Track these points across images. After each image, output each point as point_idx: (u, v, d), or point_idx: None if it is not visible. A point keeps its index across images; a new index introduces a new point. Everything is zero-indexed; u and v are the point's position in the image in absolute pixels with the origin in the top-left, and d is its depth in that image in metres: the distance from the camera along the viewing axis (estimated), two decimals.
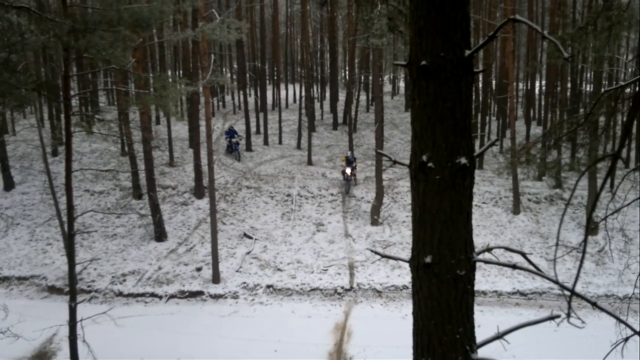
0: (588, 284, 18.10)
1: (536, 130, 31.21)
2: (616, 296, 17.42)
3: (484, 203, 22.87)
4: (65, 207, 11.39)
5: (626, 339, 3.82)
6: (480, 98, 28.99)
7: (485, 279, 18.31)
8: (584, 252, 2.44)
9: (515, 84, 33.51)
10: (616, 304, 16.90)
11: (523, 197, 22.77)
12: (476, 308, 14.13)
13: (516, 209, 22.14)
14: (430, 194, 3.54)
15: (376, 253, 4.06)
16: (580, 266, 2.58)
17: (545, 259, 19.27)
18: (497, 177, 24.72)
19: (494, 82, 34.41)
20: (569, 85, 27.47)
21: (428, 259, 3.60)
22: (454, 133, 3.47)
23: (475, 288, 14.51)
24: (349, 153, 24.09)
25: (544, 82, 33.67)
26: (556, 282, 3.06)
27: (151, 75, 14.27)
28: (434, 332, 3.68)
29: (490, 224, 21.63)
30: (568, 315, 3.15)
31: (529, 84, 33.66)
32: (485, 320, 16.77)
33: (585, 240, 2.38)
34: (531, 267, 3.41)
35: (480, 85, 30.26)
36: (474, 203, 22.96)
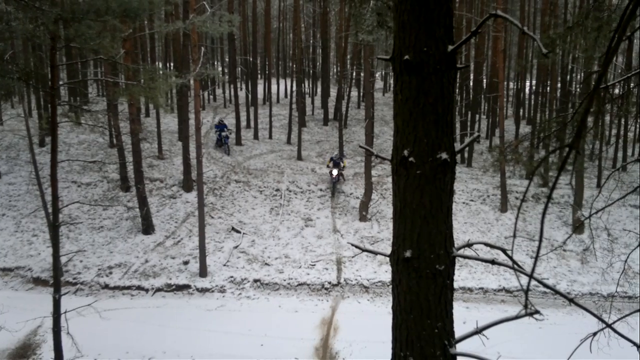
0: (573, 282, 18.27)
1: (525, 129, 31.38)
2: (600, 294, 17.60)
3: (472, 200, 22.99)
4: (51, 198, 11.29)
5: (594, 334, 3.85)
6: (471, 96, 29.09)
7: (471, 275, 18.42)
8: (541, 234, 2.46)
9: (505, 83, 33.70)
10: (600, 302, 17.09)
11: (510, 195, 22.91)
12: (462, 304, 14.35)
13: (503, 207, 22.27)
14: (410, 188, 3.55)
15: (357, 247, 4.07)
16: (538, 252, 2.59)
17: (530, 256, 19.41)
18: (484, 175, 24.86)
19: (484, 80, 34.52)
20: (558, 85, 27.64)
21: (408, 254, 3.61)
22: (435, 128, 3.47)
23: (462, 284, 14.68)
24: (335, 154, 23.79)
25: (534, 82, 33.84)
26: (530, 276, 3.07)
27: (140, 66, 14.16)
28: (413, 327, 3.69)
29: (477, 221, 21.75)
30: (525, 307, 3.17)
31: (519, 83, 33.84)
32: (471, 316, 16.89)
33: (542, 222, 2.39)
34: (509, 263, 3.42)
35: (471, 84, 30.37)
36: (462, 200, 23.13)
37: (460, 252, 3.83)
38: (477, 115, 30.65)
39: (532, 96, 34.49)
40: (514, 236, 2.58)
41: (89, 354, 13.31)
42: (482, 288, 17.95)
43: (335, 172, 22.59)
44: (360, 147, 4.12)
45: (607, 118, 26.42)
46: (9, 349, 14.09)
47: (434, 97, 3.44)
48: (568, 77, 28.98)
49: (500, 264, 3.43)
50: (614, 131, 28.51)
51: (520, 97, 33.96)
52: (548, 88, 28.00)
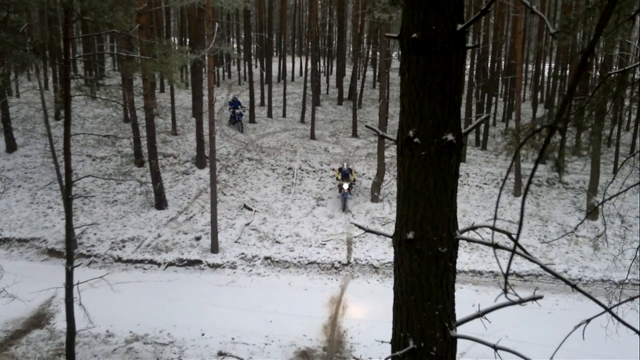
0: (585, 269, 18.14)
1: (542, 113, 30.92)
2: (612, 281, 17.45)
3: (485, 184, 22.81)
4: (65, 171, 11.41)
5: (588, 320, 3.82)
6: (488, 78, 28.66)
7: (482, 259, 18.37)
8: (521, 214, 2.41)
9: (524, 65, 33.08)
10: (611, 289, 16.96)
11: (525, 180, 22.68)
12: (472, 287, 14.29)
13: (517, 191, 22.08)
14: (415, 169, 3.51)
15: (360, 227, 4.05)
16: (519, 232, 2.55)
17: (541, 241, 19.28)
18: (498, 158, 24.62)
19: (503, 62, 33.98)
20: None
21: (410, 235, 3.59)
22: (442, 109, 3.42)
23: (472, 268, 14.62)
24: (344, 164, 21.04)
25: (553, 65, 33.22)
26: (530, 258, 3.04)
27: (154, 41, 14.12)
28: (413, 308, 3.69)
29: (490, 204, 21.61)
30: (505, 291, 3.15)
31: (538, 66, 33.23)
32: (481, 299, 16.88)
33: (522, 202, 2.35)
34: (511, 246, 3.38)
35: (489, 65, 29.90)
36: (475, 183, 22.96)
37: (465, 235, 3.79)
38: (494, 98, 30.23)
39: (551, 79, 33.90)
40: (521, 220, 2.54)
41: (101, 325, 13.59)
42: (492, 272, 17.90)
43: (345, 186, 20.47)
44: (367, 126, 4.07)
45: (627, 103, 25.87)
46: (23, 318, 14.42)
47: (441, 77, 3.38)
48: (588, 60, 28.33)
49: (502, 248, 3.40)
50: (633, 116, 27.99)
51: (539, 80, 33.40)
52: (567, 71, 27.47)
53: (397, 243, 3.74)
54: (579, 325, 3.89)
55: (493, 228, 3.75)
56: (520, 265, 18.05)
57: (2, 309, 12.88)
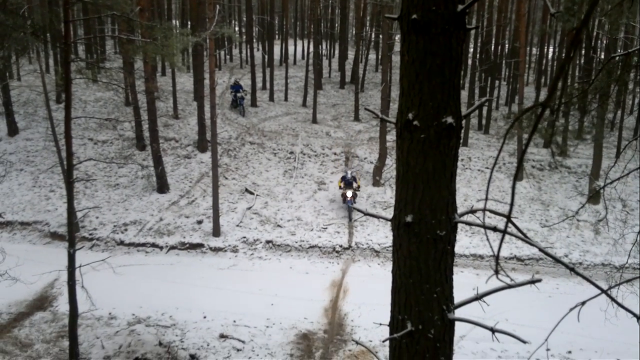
0: (585, 253, 18.17)
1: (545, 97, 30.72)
2: (613, 265, 17.50)
3: (487, 168, 22.76)
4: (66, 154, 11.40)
5: (583, 303, 3.83)
6: (491, 60, 28.44)
7: (483, 243, 18.40)
8: (512, 196, 2.41)
9: (528, 48, 32.82)
10: (611, 273, 17.00)
11: (527, 164, 22.64)
12: (473, 271, 14.32)
13: (519, 175, 22.05)
14: (414, 152, 3.49)
15: (359, 210, 4.05)
16: (510, 212, 2.55)
17: (541, 225, 19.30)
18: (500, 142, 24.53)
19: (506, 45, 33.70)
20: (582, 51, 26.87)
21: (409, 218, 3.58)
22: (441, 91, 3.38)
23: (473, 252, 14.61)
24: (348, 172, 19.81)
25: (557, 48, 32.92)
26: (530, 242, 3.03)
27: (155, 24, 13.98)
28: (412, 291, 3.69)
29: (492, 189, 21.58)
30: (496, 272, 3.15)
31: (542, 49, 32.94)
32: (481, 283, 16.97)
33: (513, 185, 2.34)
34: (513, 231, 3.38)
35: (492, 48, 29.66)
36: (477, 168, 22.91)
37: (463, 218, 3.79)
38: (497, 82, 30.03)
39: (555, 62, 33.63)
40: (512, 200, 2.52)
41: (104, 307, 13.69)
42: (493, 255, 17.92)
43: (349, 193, 19.23)
44: (366, 109, 4.05)
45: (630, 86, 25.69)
46: (26, 300, 14.54)
47: (441, 58, 3.34)
48: (592, 43, 28.10)
49: (501, 231, 3.38)
50: (636, 100, 27.81)
51: (542, 64, 33.14)
52: (571, 55, 27.20)
53: (395, 226, 3.73)
54: (574, 308, 3.90)
55: (491, 211, 3.74)
56: (521, 249, 18.08)
57: (5, 291, 12.97)
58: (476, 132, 26.34)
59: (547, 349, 13.19)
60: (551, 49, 36.15)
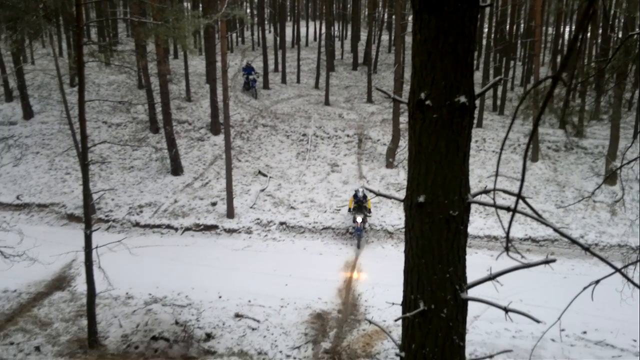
0: (602, 234, 18.02)
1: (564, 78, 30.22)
2: (629, 246, 17.35)
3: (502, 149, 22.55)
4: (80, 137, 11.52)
5: (597, 282, 3.81)
6: (506, 40, 28.00)
7: (497, 224, 18.32)
8: (523, 172, 2.39)
9: (544, 28, 32.22)
10: (628, 254, 16.88)
11: (542, 145, 22.39)
12: (486, 252, 14.29)
13: (534, 156, 21.82)
14: (426, 132, 3.47)
15: (371, 191, 4.05)
16: (520, 189, 2.54)
17: (557, 206, 19.15)
18: (515, 123, 24.26)
19: (522, 24, 33.12)
20: (599, 30, 26.34)
21: (421, 199, 3.58)
22: (454, 70, 3.35)
23: (487, 233, 14.56)
24: (359, 190, 17.66)
25: (574, 27, 32.27)
26: (544, 222, 3.02)
27: (166, 6, 13.97)
28: (424, 271, 3.71)
29: (507, 170, 21.42)
30: (506, 249, 3.15)
31: (558, 29, 32.32)
32: (496, 264, 16.92)
33: (524, 161, 2.33)
34: (527, 211, 3.37)
35: (507, 28, 29.18)
36: (491, 149, 22.74)
37: (477, 198, 3.77)
38: (512, 62, 29.60)
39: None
40: (522, 177, 2.51)
41: (121, 287, 13.91)
42: (505, 234, 17.87)
43: (359, 218, 17.20)
44: (377, 89, 4.03)
45: None
46: (45, 280, 14.82)
47: (454, 37, 3.30)
48: (610, 22, 27.49)
49: (516, 212, 3.37)
50: None
51: (559, 44, 32.57)
52: (588, 34, 26.70)
53: (408, 207, 3.74)
54: (587, 287, 3.90)
55: (505, 191, 3.73)
56: (536, 230, 17.99)
57: (24, 271, 13.22)
58: (491, 113, 26.08)
59: (562, 329, 13.19)
60: (567, 29, 35.45)
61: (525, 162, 2.34)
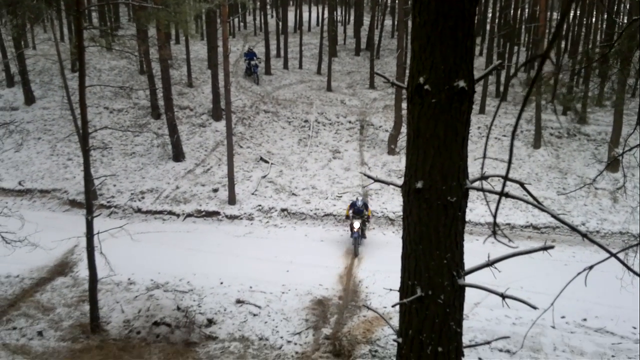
0: (603, 221, 17.99)
1: (567, 63, 30.01)
2: (630, 234, 17.32)
3: (504, 136, 22.46)
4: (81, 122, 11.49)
5: (591, 267, 3.80)
6: (510, 25, 27.75)
7: (498, 212, 18.26)
8: (510, 153, 2.37)
9: (548, 13, 31.86)
10: (629, 241, 16.87)
11: (545, 131, 22.28)
12: (489, 239, 14.17)
13: (537, 143, 21.72)
14: (425, 117, 3.43)
15: (369, 177, 4.03)
16: (508, 171, 2.51)
17: (558, 193, 19.09)
18: (516, 108, 24.10)
19: (526, 9, 32.79)
20: (605, 15, 26.05)
21: (419, 184, 3.55)
22: (453, 54, 3.30)
23: (489, 220, 14.49)
24: (358, 199, 16.60)
25: (578, 12, 31.95)
26: (541, 208, 3.00)
27: None
28: (422, 257, 3.69)
29: (508, 157, 21.33)
30: (494, 232, 3.14)
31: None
32: (496, 251, 16.94)
33: (512, 142, 2.30)
34: (522, 196, 3.34)
35: (511, 13, 28.91)
36: (493, 135, 22.62)
37: (475, 184, 3.74)
38: (516, 47, 29.35)
39: (576, 27, 32.71)
40: (509, 161, 2.47)
41: (123, 273, 13.98)
42: (509, 224, 17.87)
43: (357, 224, 16.08)
44: (376, 74, 3.98)
45: None
46: (47, 266, 14.88)
47: (453, 20, 3.25)
48: (615, 7, 27.22)
49: (512, 197, 3.35)
50: None
51: (563, 28, 32.23)
52: (593, 19, 26.44)
53: (406, 192, 3.71)
54: (581, 272, 3.88)
55: (504, 177, 3.69)
56: (538, 217, 17.96)
57: (27, 257, 13.27)
58: (494, 99, 25.92)
59: (562, 317, 13.21)
60: (572, 14, 35.07)
61: (512, 142, 2.30)
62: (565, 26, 31.61)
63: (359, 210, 16.19)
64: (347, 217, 16.46)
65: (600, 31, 24.98)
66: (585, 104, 18.46)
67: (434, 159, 3.49)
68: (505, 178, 2.57)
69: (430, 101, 3.39)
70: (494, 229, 2.99)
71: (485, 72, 3.73)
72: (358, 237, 16.18)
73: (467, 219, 3.98)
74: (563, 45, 32.09)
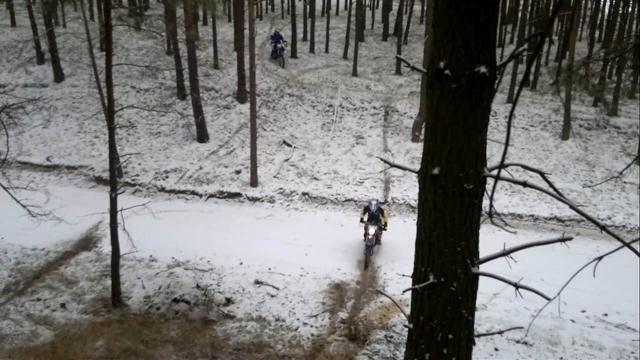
0: (630, 216, 17.61)
1: (600, 54, 29.22)
2: None
3: (532, 126, 22.06)
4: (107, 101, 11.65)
5: (600, 258, 3.73)
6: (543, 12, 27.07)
7: (522, 202, 18.06)
8: (507, 138, 2.32)
9: (583, 2, 31.02)
10: None
11: (574, 123, 21.81)
12: (511, 230, 13.93)
13: (565, 134, 21.29)
14: (444, 103, 3.39)
15: (385, 162, 4.00)
16: (503, 158, 2.47)
17: (584, 185, 18.73)
18: (547, 100, 23.62)
19: None
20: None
21: (435, 171, 3.52)
22: (475, 39, 3.24)
23: (512, 211, 14.33)
24: (372, 202, 15.09)
25: (614, 1, 31.01)
26: (559, 198, 2.94)
27: None
28: (435, 243, 3.67)
29: (535, 147, 20.98)
30: (490, 216, 3.10)
31: (600, 2, 31.08)
32: (518, 242, 16.73)
33: (508, 126, 2.26)
34: (541, 186, 3.28)
35: (545, 0, 28.14)
36: (521, 125, 22.22)
37: (494, 172, 3.69)
38: (548, 36, 28.65)
39: (610, 17, 31.78)
40: (506, 143, 2.43)
41: (145, 250, 14.22)
42: (532, 215, 17.63)
43: (372, 231, 14.61)
44: (397, 57, 3.93)
45: None
46: (72, 240, 15.24)
47: (476, 4, 3.18)
48: None
49: (531, 186, 3.30)
50: None
51: (597, 18, 31.37)
52: (629, 8, 25.63)
53: (422, 179, 3.68)
54: (590, 262, 3.83)
55: (524, 166, 3.64)
56: (562, 210, 17.67)
57: (53, 231, 13.61)
58: (524, 89, 25.40)
59: (582, 311, 13.00)
60: (607, 2, 34.06)
61: (509, 124, 2.26)
62: (599, 15, 30.77)
63: (373, 215, 14.85)
64: (362, 220, 15.12)
65: (637, 19, 24.18)
66: (617, 95, 17.97)
67: (451, 145, 3.45)
68: (501, 165, 2.52)
69: (450, 86, 3.34)
70: (490, 211, 2.97)
71: (508, 58, 3.65)
72: (371, 246, 14.63)
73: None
74: (597, 34, 31.26)
